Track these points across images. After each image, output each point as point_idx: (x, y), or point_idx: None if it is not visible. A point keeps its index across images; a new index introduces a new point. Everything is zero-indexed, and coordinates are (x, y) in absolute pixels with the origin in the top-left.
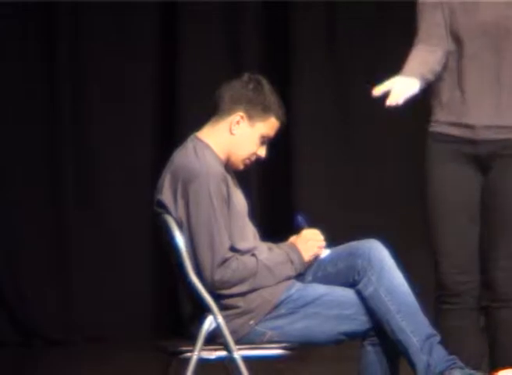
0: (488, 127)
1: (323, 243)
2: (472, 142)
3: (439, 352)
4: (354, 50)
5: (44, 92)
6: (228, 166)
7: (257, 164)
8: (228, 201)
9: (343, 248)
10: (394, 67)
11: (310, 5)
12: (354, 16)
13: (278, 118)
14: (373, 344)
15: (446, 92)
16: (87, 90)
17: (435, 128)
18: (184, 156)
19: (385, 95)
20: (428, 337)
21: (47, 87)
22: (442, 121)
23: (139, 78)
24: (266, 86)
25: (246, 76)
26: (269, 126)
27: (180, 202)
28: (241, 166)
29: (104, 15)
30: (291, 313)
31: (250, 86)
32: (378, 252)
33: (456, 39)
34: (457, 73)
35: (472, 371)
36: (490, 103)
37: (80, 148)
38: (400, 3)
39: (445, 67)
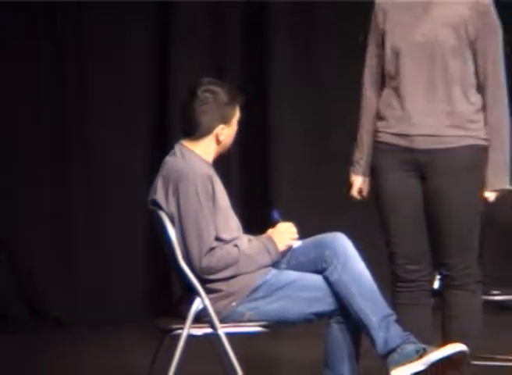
0: (426, 137)
1: (296, 235)
2: (411, 151)
3: (395, 329)
4: (331, 56)
5: (45, 93)
6: (221, 155)
7: (238, 167)
8: (213, 197)
9: (312, 239)
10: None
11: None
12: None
13: (241, 101)
14: (338, 323)
15: (385, 105)
16: (89, 92)
17: (378, 138)
18: (173, 161)
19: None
20: (386, 316)
21: (47, 88)
22: (383, 131)
23: (132, 84)
24: (220, 88)
25: (200, 91)
26: (238, 111)
27: (171, 200)
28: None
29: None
30: (267, 296)
31: (211, 100)
32: (342, 244)
33: (395, 55)
34: (394, 87)
35: (423, 345)
36: (426, 114)
37: (83, 148)
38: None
39: (383, 82)
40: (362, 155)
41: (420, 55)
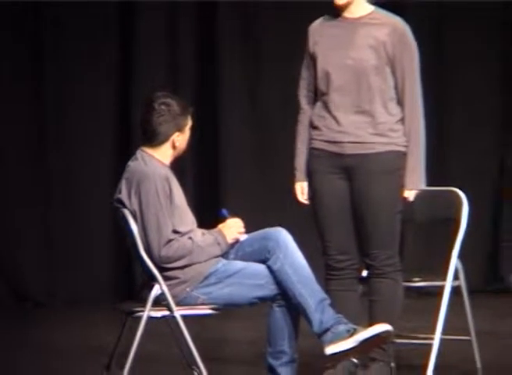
0: (354, 144)
1: (243, 230)
2: (341, 156)
3: (329, 312)
4: (279, 59)
5: (24, 93)
6: (177, 158)
7: (192, 169)
8: (170, 196)
9: (257, 233)
10: None
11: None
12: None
13: (191, 111)
14: (279, 306)
15: (318, 116)
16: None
17: (312, 145)
18: (135, 165)
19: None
20: (321, 300)
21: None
22: (316, 139)
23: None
24: (173, 101)
25: (156, 104)
26: (190, 120)
27: (134, 198)
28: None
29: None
30: (218, 282)
31: (166, 111)
32: (284, 237)
33: (326, 75)
34: (325, 101)
35: (354, 326)
36: (354, 124)
37: (60, 149)
38: None
39: (315, 95)
40: (300, 162)
41: (347, 74)
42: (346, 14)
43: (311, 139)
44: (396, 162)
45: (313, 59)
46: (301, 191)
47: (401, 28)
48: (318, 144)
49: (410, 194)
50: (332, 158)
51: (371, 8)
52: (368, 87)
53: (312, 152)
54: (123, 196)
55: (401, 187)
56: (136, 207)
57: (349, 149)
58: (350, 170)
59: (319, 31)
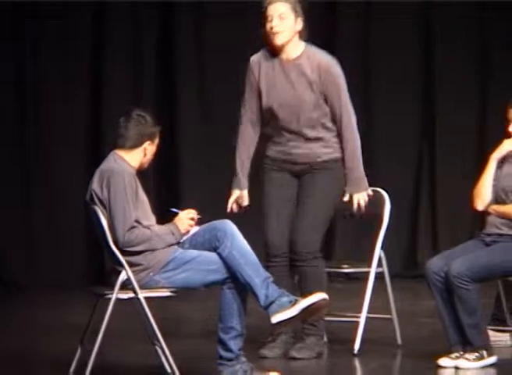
0: (300, 155)
1: (193, 222)
2: (292, 163)
3: (273, 287)
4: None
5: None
6: (141, 168)
7: (153, 175)
8: (136, 191)
9: (207, 225)
10: None
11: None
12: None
13: (159, 128)
14: (229, 288)
15: (271, 135)
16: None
17: (267, 153)
18: (107, 163)
19: None
20: (265, 278)
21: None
22: (271, 149)
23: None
24: (146, 114)
25: (134, 115)
26: (158, 136)
27: (105, 190)
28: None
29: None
30: (176, 268)
31: (143, 121)
32: (230, 227)
33: (270, 108)
34: (275, 127)
35: (295, 297)
36: (298, 142)
37: (39, 149)
38: None
39: (267, 123)
40: (236, 172)
41: (289, 110)
42: (283, 55)
43: (266, 148)
44: (338, 167)
45: (256, 91)
46: (235, 199)
47: (326, 65)
48: (270, 152)
49: (347, 197)
50: (283, 164)
51: (303, 46)
52: (308, 118)
53: (267, 158)
54: (96, 187)
55: (341, 188)
56: (106, 196)
57: (299, 158)
58: (297, 174)
59: (260, 68)
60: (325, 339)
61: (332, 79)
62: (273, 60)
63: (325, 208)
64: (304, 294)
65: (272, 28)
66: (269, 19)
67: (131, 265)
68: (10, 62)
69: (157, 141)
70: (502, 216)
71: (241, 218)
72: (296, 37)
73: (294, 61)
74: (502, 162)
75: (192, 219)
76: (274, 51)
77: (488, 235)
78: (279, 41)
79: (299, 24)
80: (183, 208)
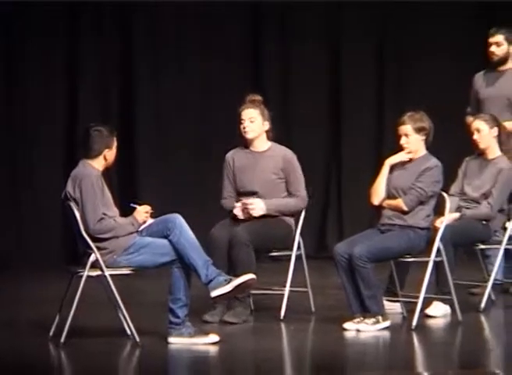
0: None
1: (148, 215)
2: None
3: (212, 268)
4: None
5: None
6: (107, 167)
7: (116, 175)
8: (102, 189)
9: (160, 218)
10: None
11: None
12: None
13: (116, 134)
14: (177, 267)
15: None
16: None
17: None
18: (78, 169)
19: None
20: (206, 261)
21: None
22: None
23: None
24: (103, 128)
25: (92, 131)
26: (115, 141)
27: (77, 191)
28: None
29: None
30: (135, 252)
31: (100, 135)
32: (179, 219)
33: (243, 189)
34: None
35: (229, 277)
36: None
37: (30, 148)
38: None
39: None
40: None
41: (256, 189)
42: (252, 148)
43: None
44: None
45: (232, 178)
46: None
47: (289, 157)
48: None
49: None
50: None
51: (269, 144)
52: (273, 197)
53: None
54: (69, 188)
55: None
56: (78, 196)
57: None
58: None
59: (233, 160)
60: (252, 308)
61: (292, 166)
62: (245, 152)
63: None
64: (237, 274)
65: (244, 128)
66: (242, 121)
67: (99, 249)
68: None
69: (115, 145)
70: (393, 208)
71: (188, 215)
72: (264, 135)
73: (263, 153)
74: (393, 167)
75: (147, 212)
76: (247, 145)
77: (383, 225)
78: (249, 136)
79: (266, 126)
80: (140, 204)
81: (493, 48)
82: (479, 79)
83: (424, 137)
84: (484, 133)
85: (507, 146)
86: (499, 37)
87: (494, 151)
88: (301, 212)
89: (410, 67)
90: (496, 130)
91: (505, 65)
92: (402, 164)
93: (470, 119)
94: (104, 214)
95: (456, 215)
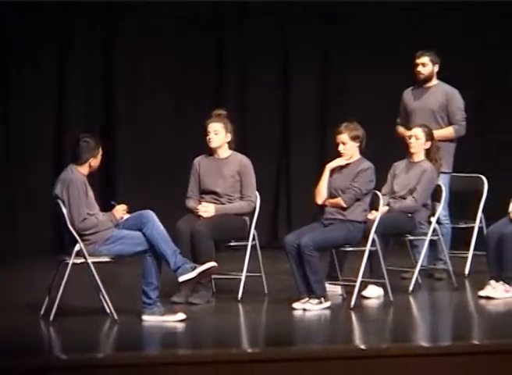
0: None
1: (125, 211)
2: None
3: (179, 257)
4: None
5: None
6: (92, 172)
7: (99, 177)
8: (86, 192)
9: (135, 213)
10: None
11: None
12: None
13: (101, 144)
14: (150, 256)
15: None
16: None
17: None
18: (66, 173)
19: None
20: (175, 250)
21: None
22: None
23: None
24: (90, 139)
25: (82, 141)
26: (101, 150)
27: (64, 194)
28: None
29: None
30: (113, 242)
31: (87, 146)
32: (152, 215)
33: (207, 190)
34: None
35: (195, 264)
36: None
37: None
38: None
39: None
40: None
41: (218, 191)
42: (216, 156)
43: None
44: None
45: (198, 179)
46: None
47: (245, 162)
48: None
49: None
50: None
51: (230, 152)
52: (230, 196)
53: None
54: (58, 191)
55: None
56: (65, 198)
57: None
58: None
59: (199, 164)
60: (214, 291)
61: (247, 170)
62: (210, 159)
63: None
64: (199, 262)
65: (209, 139)
66: (208, 133)
67: (83, 240)
68: None
69: (100, 154)
70: (334, 206)
71: (159, 210)
72: (226, 145)
73: (224, 160)
74: (333, 170)
75: (124, 210)
76: (211, 153)
77: (326, 219)
78: (213, 145)
79: (228, 137)
80: (119, 202)
81: (420, 68)
82: (408, 94)
83: (358, 144)
84: (420, 141)
85: (435, 156)
86: (425, 59)
87: (420, 156)
88: (254, 210)
89: (353, 78)
90: (428, 144)
91: (430, 82)
92: (340, 168)
93: (400, 128)
94: (88, 213)
95: (385, 208)
